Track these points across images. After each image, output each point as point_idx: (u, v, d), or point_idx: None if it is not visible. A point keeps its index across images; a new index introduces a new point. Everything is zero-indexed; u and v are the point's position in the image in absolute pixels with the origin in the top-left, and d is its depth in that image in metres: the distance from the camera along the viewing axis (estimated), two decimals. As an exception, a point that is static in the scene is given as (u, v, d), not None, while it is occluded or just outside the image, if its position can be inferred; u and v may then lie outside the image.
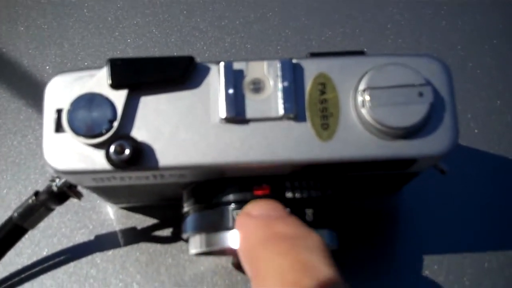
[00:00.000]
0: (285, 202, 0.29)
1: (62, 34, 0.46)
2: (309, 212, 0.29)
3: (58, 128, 0.27)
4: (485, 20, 0.47)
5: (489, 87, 0.45)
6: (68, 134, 0.27)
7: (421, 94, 0.27)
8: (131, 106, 0.27)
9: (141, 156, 0.27)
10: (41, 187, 0.35)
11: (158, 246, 0.39)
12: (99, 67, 0.28)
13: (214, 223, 0.29)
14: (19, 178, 0.41)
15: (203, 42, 0.46)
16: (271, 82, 0.28)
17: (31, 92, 0.44)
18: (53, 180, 0.33)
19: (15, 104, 0.44)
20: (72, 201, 0.35)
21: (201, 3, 0.47)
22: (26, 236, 0.36)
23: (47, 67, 0.45)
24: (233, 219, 0.29)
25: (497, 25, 0.47)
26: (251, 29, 0.47)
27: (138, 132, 0.27)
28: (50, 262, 0.39)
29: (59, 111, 0.27)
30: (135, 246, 0.39)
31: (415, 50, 0.46)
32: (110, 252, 0.39)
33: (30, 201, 0.34)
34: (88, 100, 0.27)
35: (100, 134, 0.27)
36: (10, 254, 0.37)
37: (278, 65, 0.28)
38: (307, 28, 0.47)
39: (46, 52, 0.46)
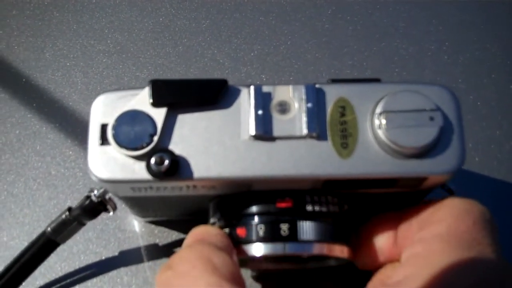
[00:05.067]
0: (305, 215, 0.31)
1: (87, 62, 0.49)
2: (326, 225, 0.31)
3: (103, 141, 0.30)
4: (485, 56, 0.49)
5: (488, 118, 0.46)
6: (112, 147, 0.29)
7: (432, 118, 0.29)
8: (169, 123, 0.30)
9: (178, 167, 0.29)
10: (69, 204, 0.37)
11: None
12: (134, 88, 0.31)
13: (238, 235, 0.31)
14: (48, 197, 0.43)
15: (220, 73, 0.48)
16: (296, 104, 0.30)
17: (59, 116, 0.46)
18: (91, 191, 0.34)
19: (44, 128, 0.46)
20: (98, 219, 0.36)
21: (219, 36, 0.50)
22: (55, 252, 0.37)
23: (73, 94, 0.47)
24: (257, 231, 0.31)
25: (495, 60, 0.49)
26: (265, 61, 0.49)
27: (176, 146, 0.29)
28: (77, 277, 0.40)
29: (104, 126, 0.30)
30: (158, 261, 0.40)
31: (419, 83, 0.48)
32: (134, 267, 0.40)
33: (63, 216, 0.35)
34: (131, 117, 0.29)
35: (142, 147, 0.29)
36: (40, 269, 0.38)
37: (303, 89, 0.30)
38: (318, 60, 0.49)
39: (72, 80, 0.48)
